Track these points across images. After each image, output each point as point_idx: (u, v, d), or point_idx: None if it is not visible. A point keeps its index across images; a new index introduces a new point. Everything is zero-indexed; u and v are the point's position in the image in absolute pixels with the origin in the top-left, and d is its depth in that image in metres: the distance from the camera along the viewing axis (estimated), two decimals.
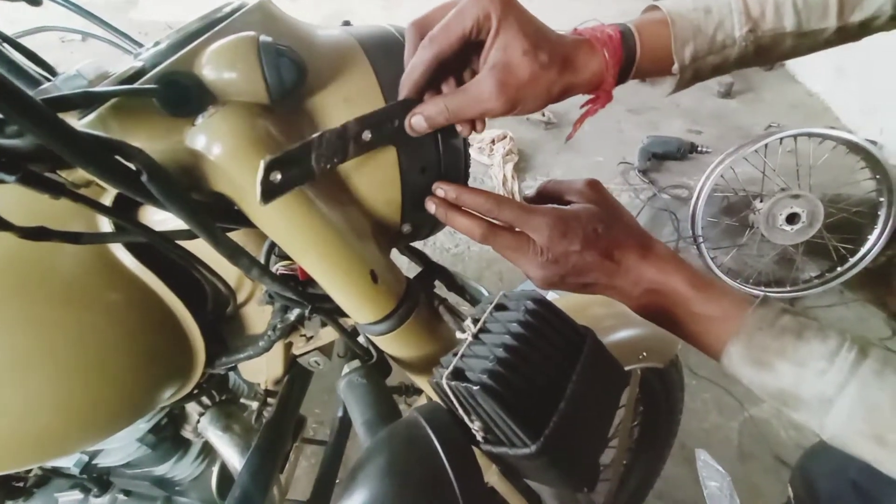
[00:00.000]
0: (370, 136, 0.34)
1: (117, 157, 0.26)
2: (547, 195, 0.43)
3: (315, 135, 0.32)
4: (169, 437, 0.63)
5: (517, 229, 0.39)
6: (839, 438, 0.31)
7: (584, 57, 0.37)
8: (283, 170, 0.30)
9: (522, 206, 0.39)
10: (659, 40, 0.39)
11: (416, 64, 0.34)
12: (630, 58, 0.39)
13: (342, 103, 0.36)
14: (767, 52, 0.40)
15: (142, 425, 0.59)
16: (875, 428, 0.29)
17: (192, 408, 0.62)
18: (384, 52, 0.38)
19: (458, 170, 0.42)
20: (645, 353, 0.78)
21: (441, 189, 0.40)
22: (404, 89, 0.36)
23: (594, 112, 0.42)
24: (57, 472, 0.65)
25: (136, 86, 0.28)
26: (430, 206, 0.40)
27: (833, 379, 0.30)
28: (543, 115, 1.98)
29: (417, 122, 0.36)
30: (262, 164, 0.29)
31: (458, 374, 0.31)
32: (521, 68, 0.34)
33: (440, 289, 0.53)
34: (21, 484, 0.64)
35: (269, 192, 0.30)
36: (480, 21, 0.33)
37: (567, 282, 0.39)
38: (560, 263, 0.38)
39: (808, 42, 0.40)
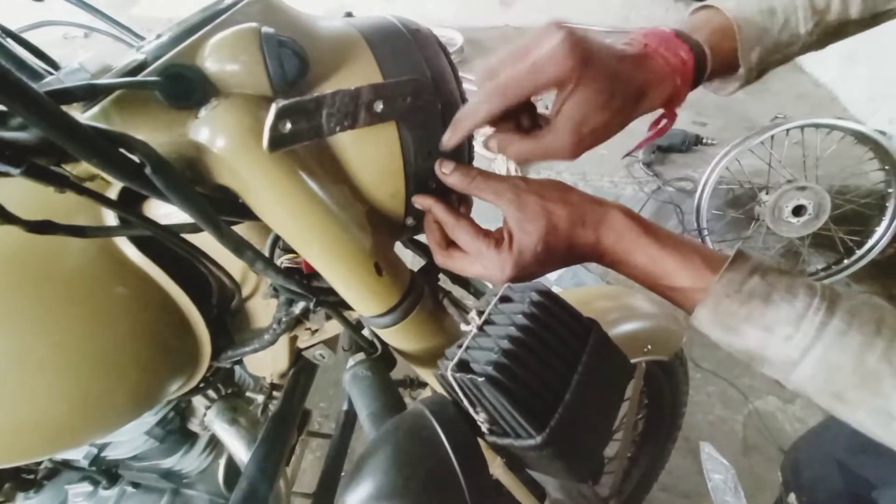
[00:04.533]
0: (382, 107, 0.34)
1: (121, 150, 0.26)
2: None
3: (329, 91, 0.32)
4: (176, 430, 0.64)
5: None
6: (801, 391, 0.32)
7: (657, 85, 0.37)
8: (294, 120, 0.30)
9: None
10: (724, 48, 0.39)
11: (482, 111, 0.35)
12: (700, 74, 0.39)
13: None
14: (831, 38, 0.40)
15: (149, 418, 0.60)
16: (834, 387, 0.30)
17: (198, 401, 0.62)
18: (387, 43, 0.38)
19: (460, 160, 0.42)
20: (650, 346, 0.77)
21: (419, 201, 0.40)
22: (463, 127, 0.36)
23: (663, 133, 0.43)
24: (67, 465, 0.66)
25: (139, 78, 0.28)
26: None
27: (799, 343, 0.31)
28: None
29: (492, 145, 0.38)
30: (273, 108, 0.29)
31: (463, 366, 0.31)
32: (595, 120, 0.35)
33: (444, 282, 0.53)
34: (31, 476, 0.65)
35: (277, 141, 0.30)
36: (557, 83, 0.34)
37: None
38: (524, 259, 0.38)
39: (874, 22, 0.40)
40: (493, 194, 0.38)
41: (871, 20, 0.39)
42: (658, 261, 0.35)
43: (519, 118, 0.39)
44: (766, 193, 1.53)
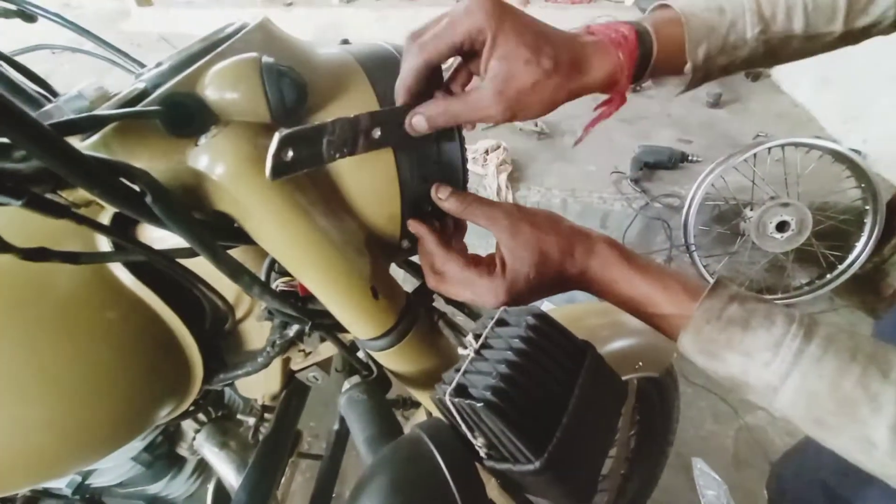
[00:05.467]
0: (379, 133, 0.35)
1: (122, 179, 0.26)
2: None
3: (329, 120, 0.32)
4: (164, 455, 0.62)
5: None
6: (788, 418, 0.32)
7: (596, 58, 0.36)
8: (296, 148, 0.30)
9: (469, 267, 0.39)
10: (671, 40, 0.38)
11: (406, 70, 0.35)
12: (646, 58, 0.38)
13: None
14: (775, 53, 0.41)
15: (137, 444, 0.58)
16: (815, 413, 0.30)
17: (187, 425, 0.61)
18: (382, 69, 0.39)
19: (456, 184, 0.42)
20: (641, 363, 0.78)
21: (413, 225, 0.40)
22: (399, 95, 0.36)
23: (609, 115, 0.42)
24: (47, 494, 0.64)
25: (139, 108, 0.29)
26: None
27: (777, 369, 0.31)
28: (536, 125, 2.00)
29: (418, 121, 0.36)
30: (276, 137, 0.29)
31: (460, 391, 0.31)
32: (522, 78, 0.33)
33: (438, 302, 0.54)
34: None
35: (279, 169, 0.30)
36: (473, 35, 0.33)
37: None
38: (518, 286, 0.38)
39: (812, 45, 0.41)
40: (487, 220, 0.38)
41: (812, 39, 0.40)
42: (640, 288, 0.36)
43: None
44: (751, 210, 1.56)
